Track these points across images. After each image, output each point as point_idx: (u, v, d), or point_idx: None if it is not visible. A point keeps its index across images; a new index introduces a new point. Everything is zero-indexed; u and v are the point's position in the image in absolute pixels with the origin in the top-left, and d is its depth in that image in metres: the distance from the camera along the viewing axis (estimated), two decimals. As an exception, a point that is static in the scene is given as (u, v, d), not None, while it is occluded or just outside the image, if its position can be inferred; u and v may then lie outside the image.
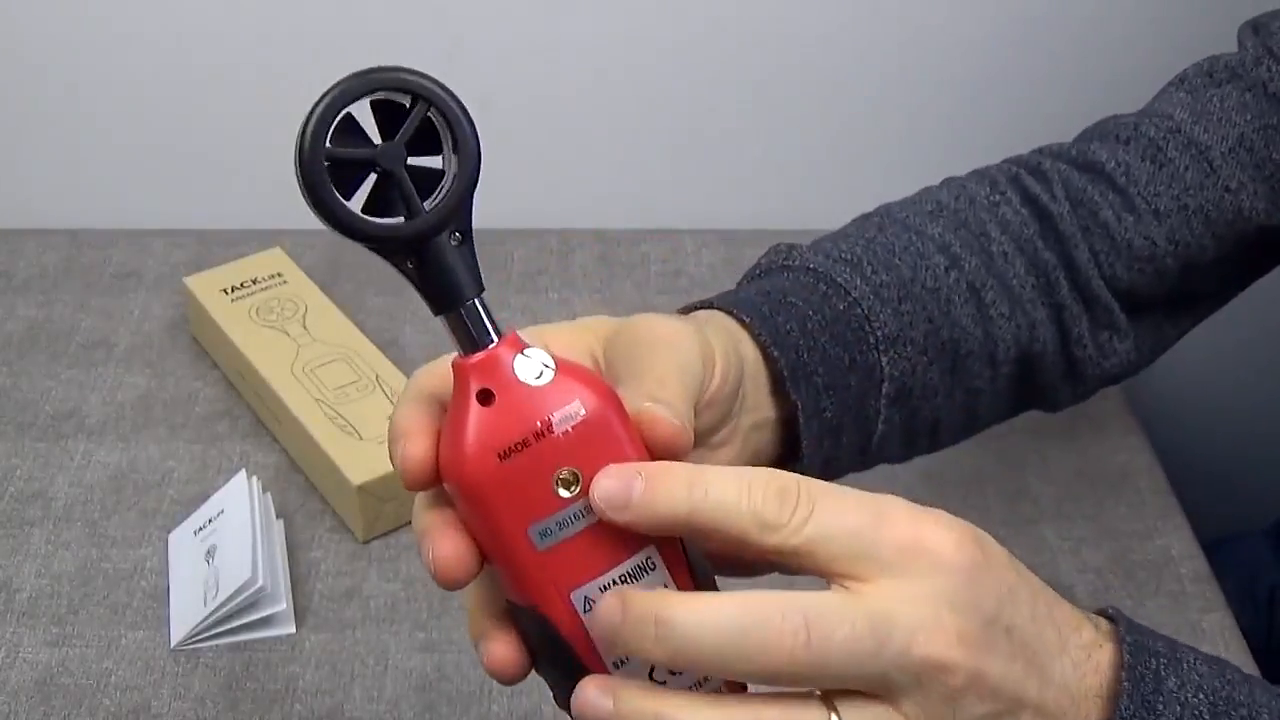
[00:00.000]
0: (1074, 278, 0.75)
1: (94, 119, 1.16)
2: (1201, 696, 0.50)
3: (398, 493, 0.89)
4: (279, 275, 1.04)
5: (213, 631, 0.82)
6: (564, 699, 0.48)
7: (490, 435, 0.46)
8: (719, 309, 0.64)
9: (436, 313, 0.48)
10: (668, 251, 1.17)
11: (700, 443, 0.57)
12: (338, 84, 0.44)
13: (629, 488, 0.46)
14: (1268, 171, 0.76)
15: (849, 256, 0.70)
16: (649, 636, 0.44)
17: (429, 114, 0.47)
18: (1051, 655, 0.49)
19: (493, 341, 0.47)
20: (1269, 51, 0.77)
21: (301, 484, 0.93)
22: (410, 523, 0.91)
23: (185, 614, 0.83)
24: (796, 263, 0.70)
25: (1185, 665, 0.51)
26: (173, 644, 0.83)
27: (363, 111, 0.45)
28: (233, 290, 1.02)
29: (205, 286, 1.03)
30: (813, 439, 0.64)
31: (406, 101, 0.46)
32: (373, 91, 0.45)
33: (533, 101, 1.17)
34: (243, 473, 0.90)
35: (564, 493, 0.46)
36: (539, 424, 0.46)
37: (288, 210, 1.25)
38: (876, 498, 0.47)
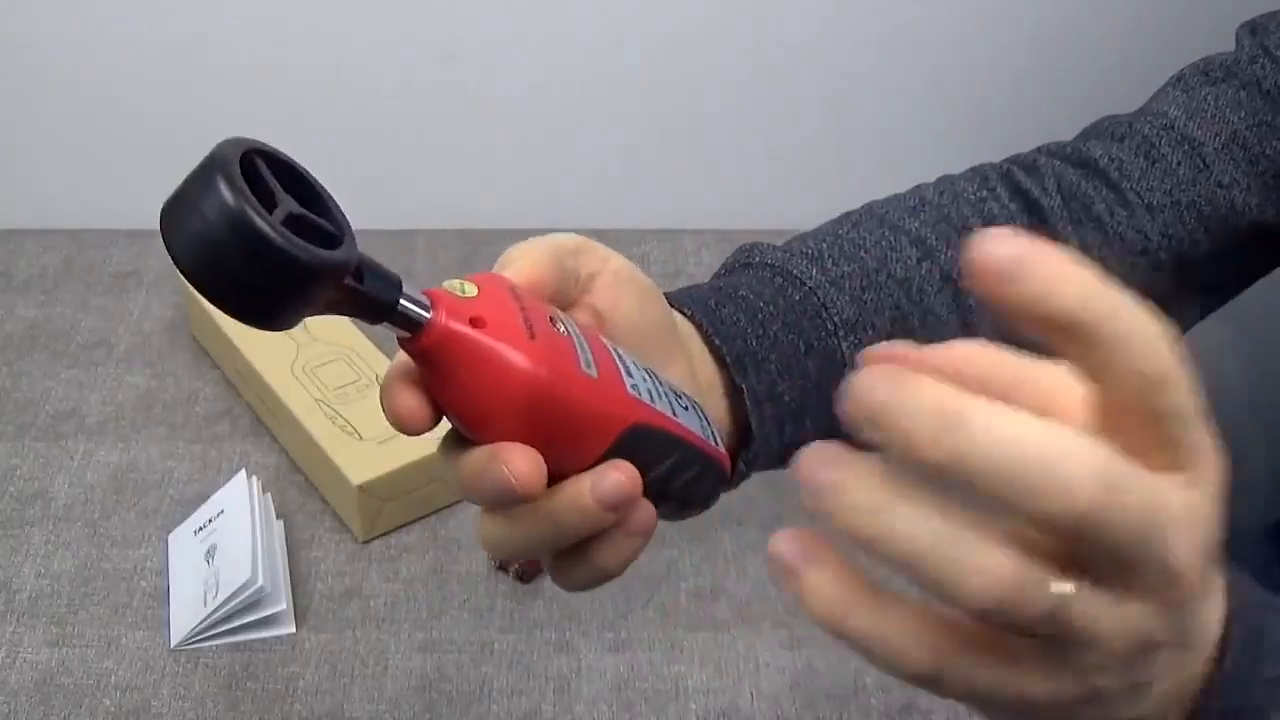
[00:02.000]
0: None
1: (94, 119, 1.17)
2: None
3: (398, 492, 0.89)
4: (279, 275, 1.04)
5: (213, 631, 0.82)
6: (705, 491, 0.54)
7: (506, 335, 0.48)
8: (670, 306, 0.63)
9: (382, 317, 0.48)
10: (668, 251, 1.17)
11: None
12: (213, 156, 0.44)
13: (1013, 247, 0.37)
14: (1260, 167, 0.76)
15: (810, 251, 0.71)
16: (931, 426, 0.36)
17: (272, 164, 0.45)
18: (1208, 591, 0.45)
19: (428, 301, 0.48)
20: (1264, 50, 0.78)
21: (301, 484, 0.93)
22: (410, 523, 0.91)
23: (185, 614, 0.83)
24: (757, 260, 0.70)
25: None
26: (173, 644, 0.83)
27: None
28: (233, 290, 1.02)
29: (205, 286, 1.03)
30: (768, 422, 0.64)
31: (263, 161, 0.45)
32: (244, 158, 0.44)
33: (531, 101, 1.17)
34: (243, 473, 0.90)
35: (563, 329, 0.50)
36: (513, 303, 0.49)
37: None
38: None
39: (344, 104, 1.16)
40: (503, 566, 0.87)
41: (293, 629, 0.83)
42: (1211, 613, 0.46)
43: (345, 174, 1.27)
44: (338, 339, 0.98)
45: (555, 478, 0.49)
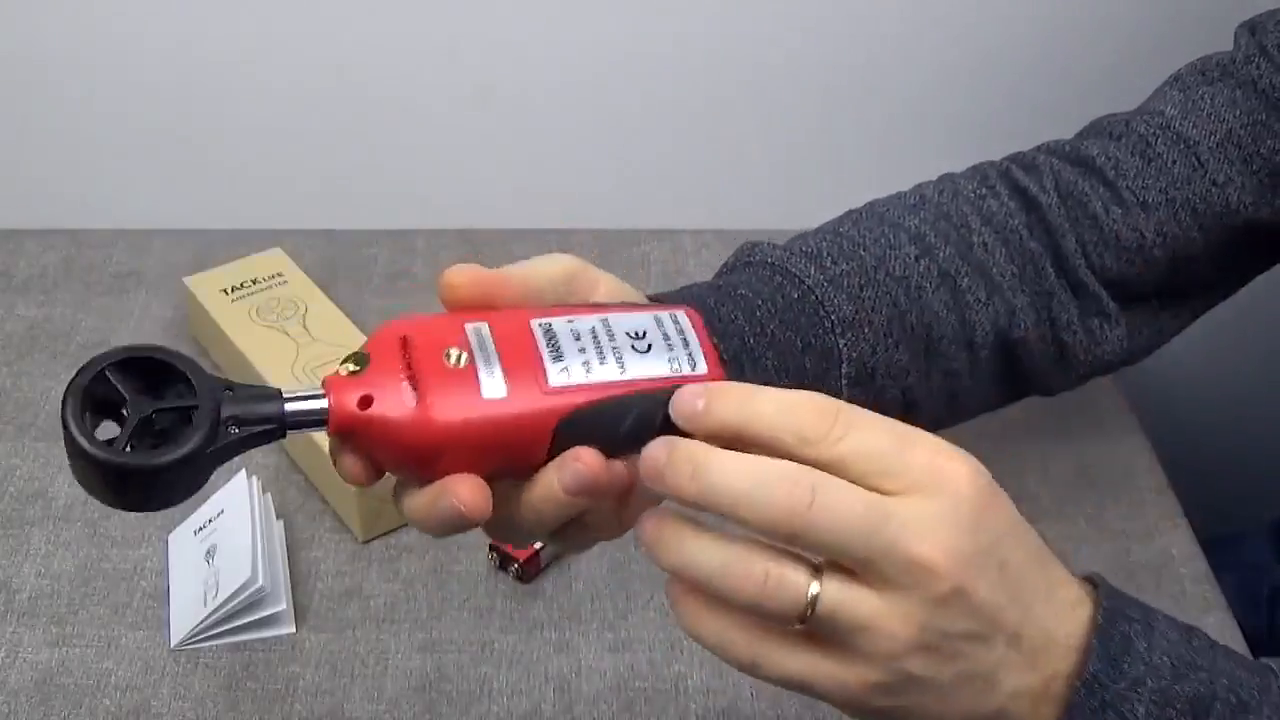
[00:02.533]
0: (1061, 265, 0.77)
1: (94, 119, 1.16)
2: (1166, 660, 0.55)
3: (398, 493, 0.89)
4: (279, 275, 1.04)
5: (213, 631, 0.82)
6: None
7: (391, 403, 0.53)
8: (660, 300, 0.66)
9: (283, 434, 0.53)
10: (668, 251, 1.17)
11: None
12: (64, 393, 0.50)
13: (695, 404, 0.53)
14: (1255, 166, 0.78)
15: (809, 249, 0.73)
16: (686, 475, 0.51)
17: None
18: (1038, 596, 0.53)
19: (318, 401, 0.53)
20: (1261, 50, 0.79)
21: (301, 484, 0.93)
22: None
23: (185, 614, 0.83)
24: (757, 258, 0.73)
25: (1157, 632, 0.55)
26: (173, 644, 0.83)
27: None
28: (233, 290, 1.02)
29: (205, 286, 1.03)
30: None
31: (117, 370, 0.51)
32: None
33: (532, 101, 1.17)
34: (243, 473, 0.90)
35: (462, 359, 0.53)
36: (398, 364, 0.53)
37: (288, 210, 1.26)
38: (905, 426, 0.52)
39: (344, 104, 1.16)
40: (502, 566, 0.87)
41: (293, 629, 0.83)
42: (1049, 613, 0.54)
43: (345, 174, 1.28)
44: (338, 339, 0.98)
45: (525, 477, 0.54)
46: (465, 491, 0.54)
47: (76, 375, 0.51)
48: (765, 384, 0.63)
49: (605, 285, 0.62)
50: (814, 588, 0.51)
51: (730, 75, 1.17)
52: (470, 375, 0.53)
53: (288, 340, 0.98)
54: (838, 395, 0.64)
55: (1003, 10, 1.14)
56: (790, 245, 0.74)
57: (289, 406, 0.52)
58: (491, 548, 0.87)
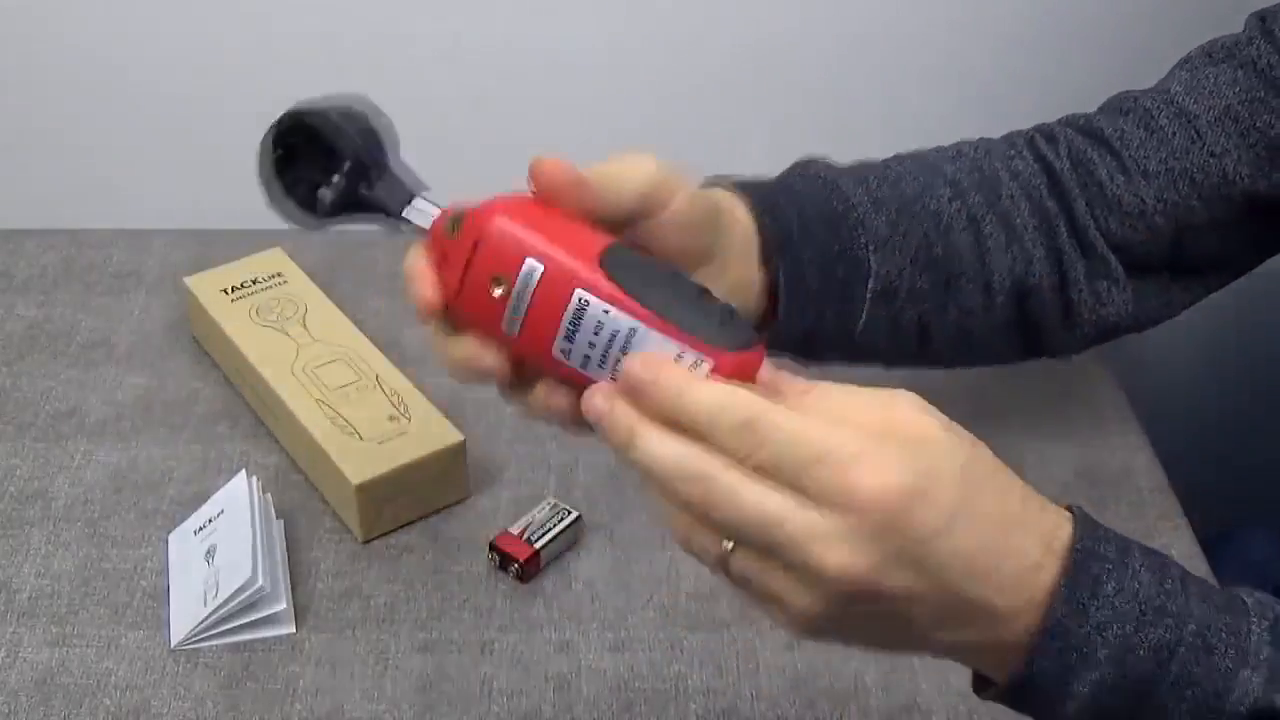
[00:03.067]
0: (1073, 226, 0.83)
1: (94, 119, 1.17)
2: (1133, 605, 0.56)
3: (398, 493, 0.89)
4: (279, 275, 1.04)
5: (213, 631, 0.82)
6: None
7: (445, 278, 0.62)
8: (722, 186, 0.74)
9: (399, 211, 0.65)
10: (668, 251, 1.16)
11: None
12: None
13: (597, 406, 0.56)
14: (1251, 139, 0.82)
15: (858, 174, 0.81)
16: (618, 438, 0.56)
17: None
18: (975, 578, 0.54)
19: (427, 224, 0.64)
20: (1265, 33, 0.83)
21: (301, 484, 0.93)
22: (410, 523, 0.91)
23: (185, 614, 0.83)
24: (812, 172, 0.81)
25: (1129, 572, 0.56)
26: (173, 644, 0.83)
27: None
28: (233, 290, 1.02)
29: (205, 286, 1.03)
30: (793, 305, 0.75)
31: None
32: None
33: (532, 101, 1.17)
34: (243, 473, 0.90)
35: (500, 292, 0.59)
36: (463, 260, 0.61)
37: (288, 210, 1.25)
38: (825, 434, 0.53)
39: (344, 104, 1.16)
40: (503, 566, 0.87)
41: (293, 629, 0.83)
42: (990, 588, 0.55)
43: (345, 174, 1.27)
44: (338, 339, 0.98)
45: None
46: (489, 359, 0.61)
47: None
48: (799, 274, 0.74)
49: (680, 199, 0.66)
50: (728, 545, 0.55)
51: (731, 76, 1.17)
52: (498, 310, 0.59)
53: (288, 340, 0.98)
54: (861, 305, 0.78)
55: (1005, 10, 1.14)
56: (842, 167, 0.82)
57: (407, 211, 0.65)
58: (491, 547, 0.87)
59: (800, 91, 1.18)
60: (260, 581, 0.82)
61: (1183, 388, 1.30)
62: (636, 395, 0.55)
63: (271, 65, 1.14)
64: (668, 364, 0.56)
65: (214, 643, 0.82)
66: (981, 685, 0.60)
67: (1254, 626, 0.57)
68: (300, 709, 0.79)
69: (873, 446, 0.53)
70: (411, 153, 1.19)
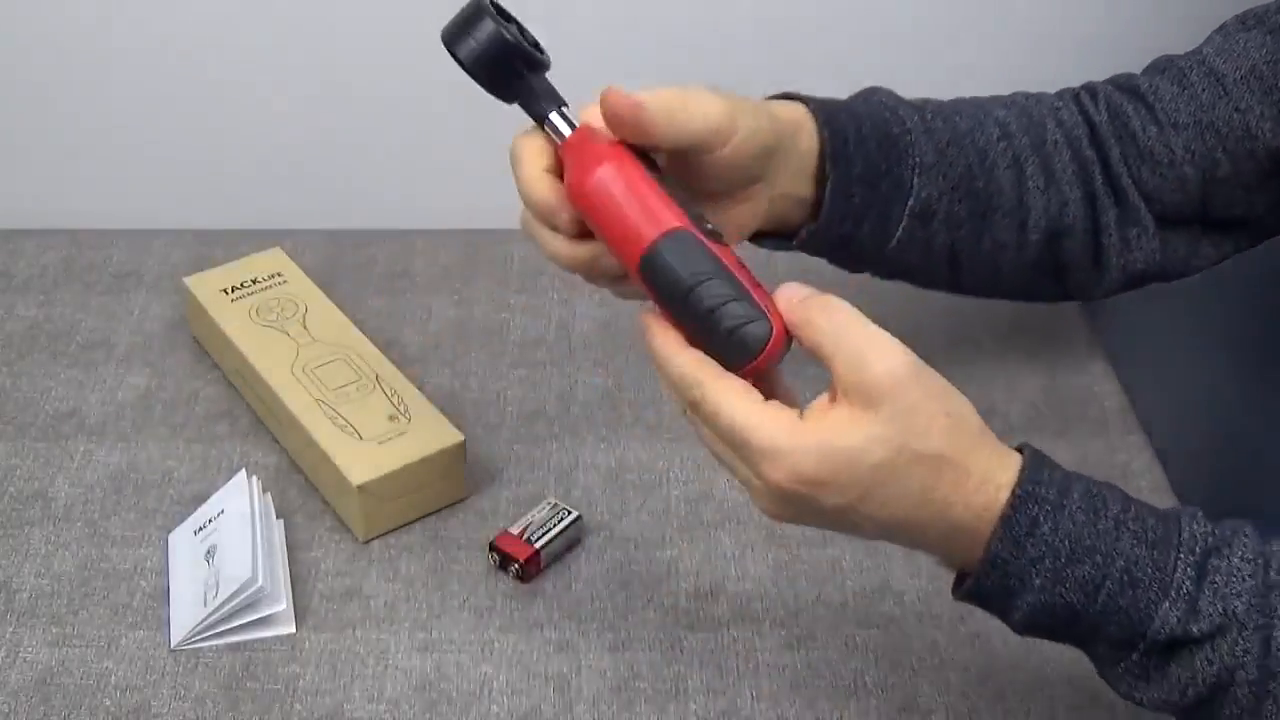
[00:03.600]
0: (1108, 174, 0.90)
1: (94, 119, 1.17)
2: (1065, 543, 0.64)
3: (398, 493, 0.89)
4: (279, 275, 1.04)
5: (212, 631, 0.82)
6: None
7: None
8: (798, 98, 0.84)
9: (547, 112, 0.73)
10: (668, 251, 1.16)
11: (728, 196, 0.78)
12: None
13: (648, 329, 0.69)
14: (1275, 97, 0.86)
15: (917, 103, 0.88)
16: (644, 331, 0.69)
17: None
18: (904, 532, 0.66)
19: (561, 135, 0.73)
20: None
21: (301, 484, 0.93)
22: (410, 523, 0.91)
23: (185, 614, 0.83)
24: (875, 97, 0.88)
25: (1065, 512, 0.65)
26: (173, 644, 0.83)
27: None
28: (233, 290, 1.02)
29: (205, 286, 1.03)
30: (834, 214, 0.83)
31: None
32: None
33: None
34: (243, 473, 0.90)
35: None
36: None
37: (288, 210, 1.26)
38: (756, 429, 0.64)
39: (344, 104, 1.16)
40: (503, 566, 0.87)
41: (293, 629, 0.83)
42: (921, 537, 0.66)
43: (345, 174, 1.28)
44: (338, 339, 0.98)
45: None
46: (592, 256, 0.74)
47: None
48: (846, 186, 0.83)
49: (738, 140, 0.74)
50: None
51: (731, 76, 1.17)
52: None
53: (288, 340, 0.98)
54: (898, 222, 0.86)
55: (1006, 9, 1.14)
56: (903, 97, 0.89)
57: (553, 115, 0.73)
58: (491, 547, 0.87)
59: (802, 87, 1.18)
60: (260, 581, 0.82)
61: (1182, 387, 1.29)
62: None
63: (272, 66, 1.14)
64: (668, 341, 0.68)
65: (214, 643, 0.82)
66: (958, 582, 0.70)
67: (1180, 561, 0.64)
68: (300, 709, 0.79)
69: (785, 444, 0.63)
70: (412, 152, 1.20)
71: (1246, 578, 0.64)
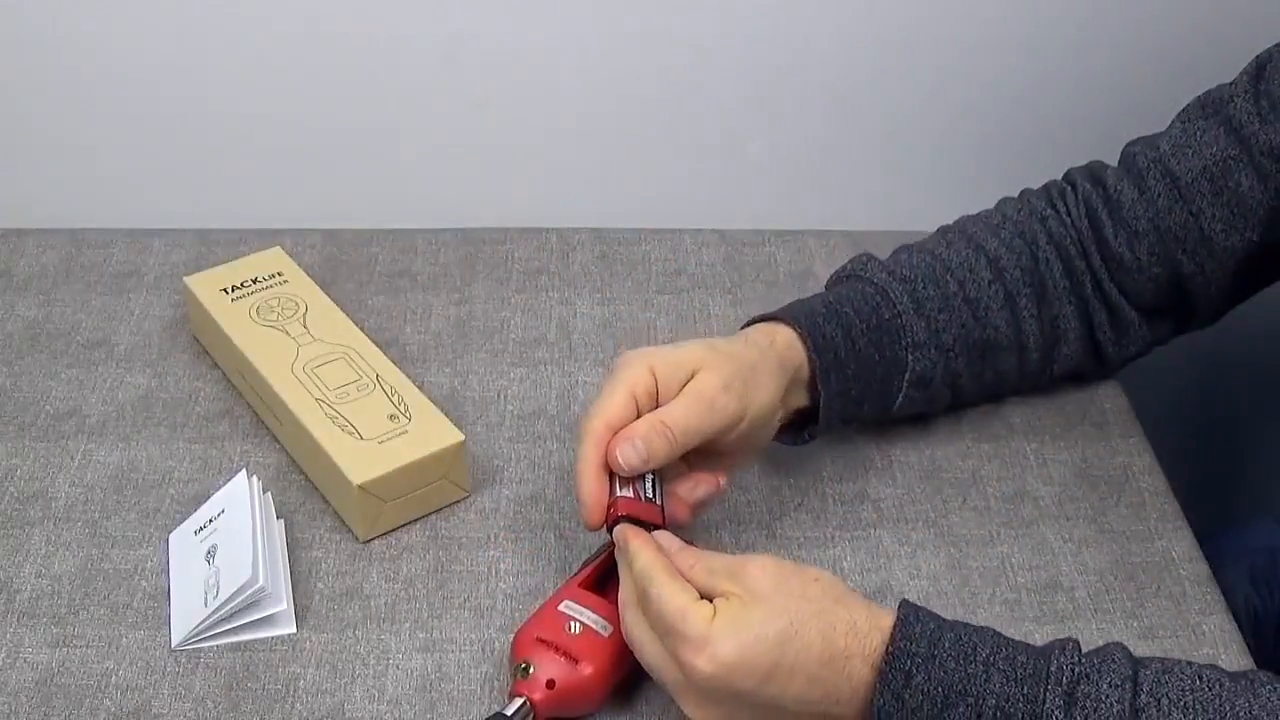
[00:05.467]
0: (1095, 280, 0.94)
1: (94, 119, 1.16)
2: (939, 689, 0.69)
3: (398, 493, 0.89)
4: (279, 275, 1.04)
5: (213, 631, 0.82)
6: None
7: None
8: (783, 320, 0.87)
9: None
10: (668, 251, 1.17)
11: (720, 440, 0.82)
12: None
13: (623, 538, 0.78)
14: (1225, 198, 0.89)
15: (907, 274, 0.91)
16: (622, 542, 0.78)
17: None
18: (825, 685, 0.71)
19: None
20: (1248, 90, 0.89)
21: (301, 484, 0.93)
22: (410, 523, 0.91)
23: (186, 614, 0.83)
24: (865, 274, 0.92)
25: (937, 662, 0.70)
26: (173, 644, 0.83)
27: None
28: (233, 290, 1.02)
29: (205, 286, 1.03)
30: (834, 413, 0.88)
31: None
32: None
33: (533, 101, 1.17)
34: (243, 473, 0.90)
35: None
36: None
37: (288, 210, 1.26)
38: (681, 620, 0.72)
39: (344, 104, 1.16)
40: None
41: (293, 629, 0.83)
42: (785, 696, 0.71)
43: (345, 174, 1.28)
44: (338, 339, 0.98)
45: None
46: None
47: None
48: (844, 388, 0.87)
49: (744, 425, 0.83)
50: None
51: (731, 76, 1.17)
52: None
53: (288, 340, 0.98)
54: (898, 393, 0.91)
55: (1008, 10, 1.14)
56: (894, 265, 0.92)
57: (508, 711, 0.75)
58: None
59: (802, 90, 1.18)
60: (261, 581, 0.82)
61: (1183, 388, 1.30)
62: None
63: (272, 66, 1.14)
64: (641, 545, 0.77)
65: (214, 643, 0.82)
66: None
67: (1048, 693, 0.68)
68: (300, 709, 0.79)
69: (702, 632, 0.70)
70: (411, 152, 1.20)
71: (1114, 703, 0.67)
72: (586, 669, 0.76)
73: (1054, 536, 0.91)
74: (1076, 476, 0.95)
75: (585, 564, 0.83)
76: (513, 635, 0.79)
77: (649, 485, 0.80)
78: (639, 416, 0.79)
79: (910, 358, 0.90)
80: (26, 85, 1.15)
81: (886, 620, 0.71)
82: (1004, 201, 0.98)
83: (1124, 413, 1.00)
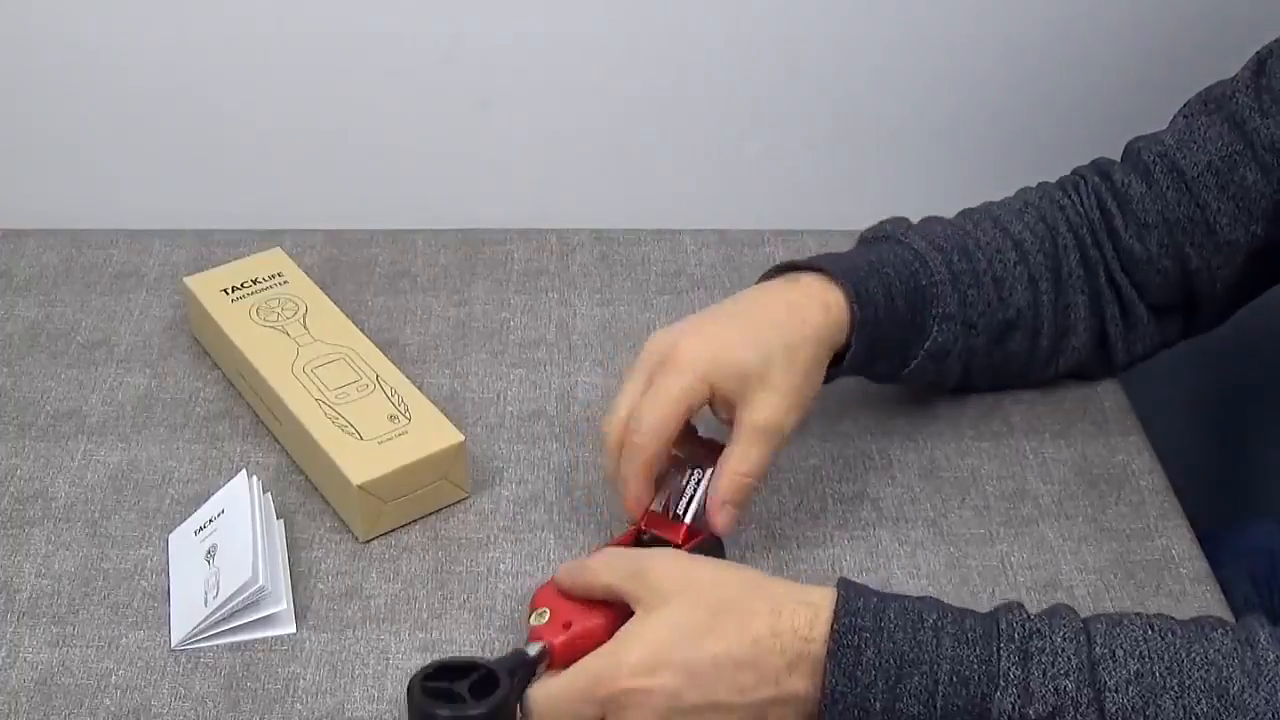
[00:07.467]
0: (1108, 272, 0.95)
1: (94, 119, 1.17)
2: (891, 661, 0.69)
3: (398, 493, 0.89)
4: (279, 275, 1.04)
5: (213, 631, 0.82)
6: None
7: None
8: (832, 277, 0.86)
9: (534, 674, 0.75)
10: (668, 251, 1.17)
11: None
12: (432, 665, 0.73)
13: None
14: (1231, 192, 0.90)
15: (943, 244, 0.92)
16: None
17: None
18: (755, 672, 0.70)
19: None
20: (1249, 85, 0.90)
21: (301, 484, 0.93)
22: (410, 523, 0.91)
23: (186, 614, 0.83)
24: (905, 239, 0.92)
25: (885, 634, 0.69)
26: (173, 644, 0.83)
27: None
28: (233, 290, 1.02)
29: (205, 286, 1.03)
30: (855, 364, 0.88)
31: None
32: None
33: (533, 101, 1.17)
34: (243, 473, 0.90)
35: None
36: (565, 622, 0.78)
37: (288, 210, 1.26)
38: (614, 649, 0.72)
39: (344, 104, 1.16)
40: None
41: (293, 629, 0.83)
42: (719, 689, 0.70)
43: (345, 174, 1.28)
44: (338, 339, 0.98)
45: None
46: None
47: (420, 676, 0.71)
48: (872, 345, 0.87)
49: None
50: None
51: (731, 76, 1.17)
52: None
53: (288, 340, 0.98)
54: (914, 360, 0.91)
55: (1008, 10, 1.14)
56: (927, 233, 0.93)
57: (531, 652, 0.74)
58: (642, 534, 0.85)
59: (801, 91, 1.18)
60: (260, 581, 0.82)
61: (1183, 388, 1.30)
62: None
63: (272, 65, 1.14)
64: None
65: (214, 643, 0.82)
66: None
67: (1002, 650, 0.68)
68: (300, 709, 0.79)
69: (609, 650, 0.71)
70: (411, 153, 1.20)
71: (1070, 656, 0.68)
72: (604, 612, 0.76)
73: (1053, 535, 0.91)
74: (1076, 475, 0.95)
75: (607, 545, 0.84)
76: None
77: (685, 499, 0.82)
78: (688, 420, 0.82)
79: (935, 328, 0.90)
80: (26, 85, 1.15)
81: (816, 595, 0.71)
82: (1024, 190, 0.99)
83: (1124, 412, 1.00)
